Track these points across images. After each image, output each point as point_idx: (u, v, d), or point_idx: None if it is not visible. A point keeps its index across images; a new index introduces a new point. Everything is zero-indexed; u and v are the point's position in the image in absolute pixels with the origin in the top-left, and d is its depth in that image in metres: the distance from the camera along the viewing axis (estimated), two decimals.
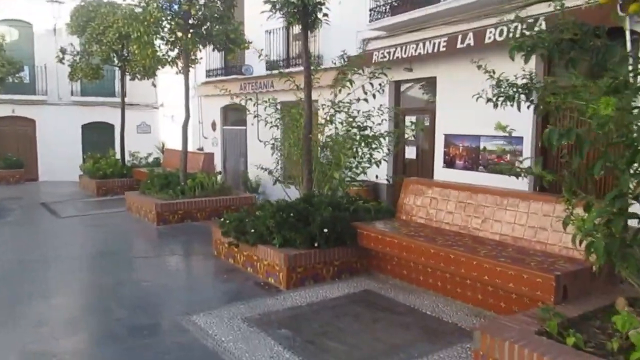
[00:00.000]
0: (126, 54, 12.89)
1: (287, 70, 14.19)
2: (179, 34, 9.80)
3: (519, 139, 8.80)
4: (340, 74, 12.78)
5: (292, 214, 5.68)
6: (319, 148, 7.28)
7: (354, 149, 6.76)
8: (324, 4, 6.48)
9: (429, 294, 5.26)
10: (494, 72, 4.60)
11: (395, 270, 5.72)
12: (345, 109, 7.06)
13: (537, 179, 8.87)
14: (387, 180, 10.03)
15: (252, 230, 5.88)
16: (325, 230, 5.60)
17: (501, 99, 4.47)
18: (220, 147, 17.68)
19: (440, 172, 10.16)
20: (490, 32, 8.53)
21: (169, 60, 10.19)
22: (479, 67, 4.55)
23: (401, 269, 5.64)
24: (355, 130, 6.76)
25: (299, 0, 6.07)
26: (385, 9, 11.12)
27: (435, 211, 5.83)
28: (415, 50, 10.21)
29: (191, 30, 9.36)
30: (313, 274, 5.66)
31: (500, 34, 8.35)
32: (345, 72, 7.72)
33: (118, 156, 14.11)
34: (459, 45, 9.14)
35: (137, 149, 15.19)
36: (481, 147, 9.60)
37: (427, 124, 10.71)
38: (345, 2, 12.58)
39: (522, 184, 8.77)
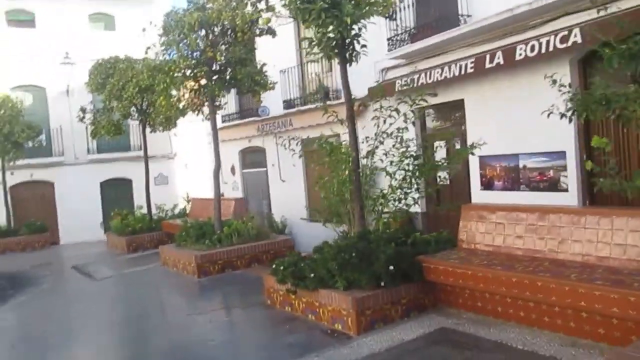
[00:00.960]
0: (146, 107, 12.86)
1: (303, 108, 14.24)
2: (203, 81, 9.75)
3: (561, 154, 8.53)
4: (362, 105, 12.83)
5: (354, 254, 5.40)
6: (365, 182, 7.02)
7: (408, 180, 6.49)
8: (360, 35, 6.34)
9: (512, 326, 4.92)
10: (569, 86, 4.36)
11: (468, 303, 5.39)
12: (394, 139, 6.78)
13: (586, 194, 8.61)
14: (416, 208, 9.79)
15: (312, 275, 5.59)
16: (391, 267, 5.31)
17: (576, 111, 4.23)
18: (241, 190, 17.49)
19: (479, 195, 9.86)
20: (521, 48, 8.39)
21: (193, 108, 10.09)
22: (554, 81, 4.32)
23: (475, 301, 5.31)
24: (408, 160, 6.48)
25: (337, 34, 5.93)
26: (405, 37, 11.06)
27: (502, 237, 5.53)
28: (441, 75, 10.05)
29: (215, 76, 9.27)
30: (382, 315, 5.34)
31: (532, 50, 8.21)
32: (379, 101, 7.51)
33: (142, 210, 13.93)
34: (487, 65, 8.98)
35: (156, 201, 15.06)
36: (520, 165, 9.32)
37: (457, 146, 10.51)
38: (362, 35, 12.55)
39: (570, 199, 8.52)
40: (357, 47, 6.44)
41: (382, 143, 7.10)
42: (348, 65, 6.55)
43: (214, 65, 9.26)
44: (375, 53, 12.21)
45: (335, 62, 13.05)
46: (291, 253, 6.52)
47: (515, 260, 5.05)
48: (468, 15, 9.77)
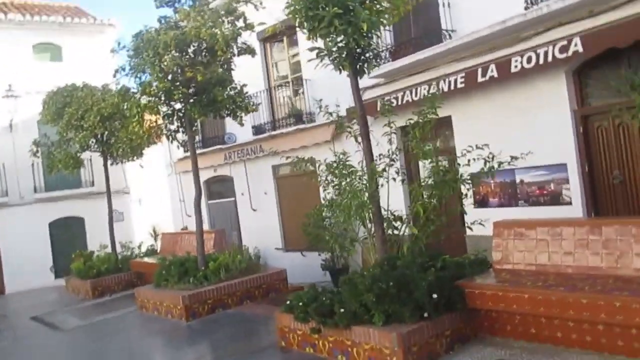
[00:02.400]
0: (107, 137, 11.86)
1: (275, 133, 13.64)
2: (177, 105, 9.00)
3: (562, 167, 8.31)
4: (338, 127, 12.36)
5: (391, 283, 4.78)
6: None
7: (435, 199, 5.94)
8: (372, 45, 5.84)
9: (577, 353, 4.42)
10: None
11: (519, 330, 4.86)
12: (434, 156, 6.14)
13: (590, 206, 8.40)
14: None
15: (342, 310, 4.92)
16: (434, 295, 4.73)
17: None
18: (207, 223, 16.53)
19: (473, 214, 9.52)
20: (516, 60, 8.18)
21: (167, 135, 9.27)
22: None
23: (527, 327, 4.79)
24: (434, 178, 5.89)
25: (352, 42, 5.41)
26: (384, 55, 10.73)
27: (547, 254, 5.08)
28: (428, 91, 9.72)
29: (192, 99, 8.54)
30: (427, 351, 4.72)
31: (529, 61, 8.01)
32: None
33: (106, 249, 12.74)
34: (479, 79, 8.73)
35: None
36: (517, 180, 9.03)
37: (445, 164, 10.22)
38: None
39: (575, 212, 8.27)
40: (369, 57, 5.93)
41: (394, 162, 6.52)
42: (359, 77, 6.03)
43: (191, 87, 8.55)
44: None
45: (305, 85, 12.70)
46: (311, 287, 5.81)
47: (572, 280, 4.59)
48: (452, 31, 9.57)
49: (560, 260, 4.96)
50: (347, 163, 6.70)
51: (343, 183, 6.33)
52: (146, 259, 11.64)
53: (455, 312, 4.92)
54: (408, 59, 10.03)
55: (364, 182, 6.10)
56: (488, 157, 6.04)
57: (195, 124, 9.14)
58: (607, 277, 4.50)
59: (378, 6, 5.53)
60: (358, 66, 5.84)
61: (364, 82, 11.54)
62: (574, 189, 8.19)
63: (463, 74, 9.08)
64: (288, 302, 5.66)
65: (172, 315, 7.88)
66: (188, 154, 16.30)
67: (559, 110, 8.21)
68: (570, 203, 8.29)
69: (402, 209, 7.98)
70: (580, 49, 7.35)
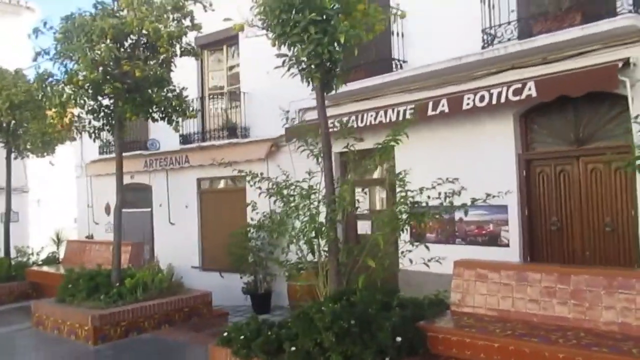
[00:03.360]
0: (14, 128, 10.49)
1: (205, 144, 12.85)
2: (106, 102, 8.07)
3: (503, 208, 8.30)
4: (274, 146, 11.84)
5: (352, 322, 4.29)
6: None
7: (399, 230, 5.53)
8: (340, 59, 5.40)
9: None
10: None
11: None
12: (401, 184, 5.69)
13: (526, 249, 8.45)
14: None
15: (292, 348, 4.35)
16: (399, 339, 4.29)
17: None
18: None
19: (407, 248, 9.35)
20: (469, 98, 8.14)
21: (92, 132, 8.27)
22: None
23: None
24: (403, 207, 5.48)
25: (325, 53, 4.96)
26: None
27: (511, 300, 4.83)
28: (375, 119, 9.51)
29: (126, 96, 7.67)
30: None
31: (481, 100, 7.99)
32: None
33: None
34: (430, 113, 8.61)
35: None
36: (456, 217, 8.93)
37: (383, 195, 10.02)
38: (276, 73, 11.67)
39: (511, 255, 8.28)
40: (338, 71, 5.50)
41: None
42: (326, 92, 5.58)
43: (124, 83, 7.67)
44: (291, 93, 11.47)
45: (243, 98, 12.07)
46: (251, 318, 5.15)
47: (541, 329, 4.34)
48: (404, 61, 9.46)
49: (526, 307, 4.73)
50: (297, 184, 6.18)
51: (293, 205, 5.77)
52: (46, 268, 10.30)
53: (416, 357, 4.50)
54: (357, 83, 9.77)
55: (317, 205, 5.62)
56: (449, 192, 5.75)
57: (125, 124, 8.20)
58: (577, 329, 4.30)
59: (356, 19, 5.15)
60: (327, 80, 5.39)
61: (306, 102, 11.24)
62: (512, 232, 8.20)
63: (412, 106, 8.93)
64: (226, 334, 4.98)
65: (77, 336, 6.85)
66: (103, 156, 15.11)
67: (504, 152, 8.23)
68: (507, 245, 8.29)
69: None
70: (534, 94, 7.41)
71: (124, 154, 14.42)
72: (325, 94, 5.61)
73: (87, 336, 6.70)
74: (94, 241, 11.04)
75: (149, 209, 14.26)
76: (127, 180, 14.89)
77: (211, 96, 13.15)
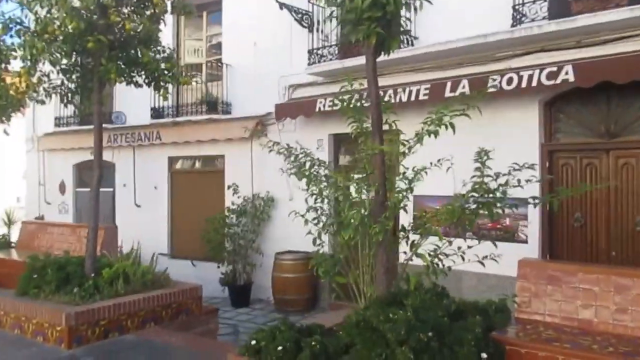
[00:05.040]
0: None
1: (180, 119, 11.68)
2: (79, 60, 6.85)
3: (522, 201, 7.69)
4: (259, 125, 10.81)
5: (430, 334, 3.46)
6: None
7: (467, 222, 4.67)
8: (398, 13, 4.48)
9: None
10: None
11: None
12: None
13: (546, 246, 7.87)
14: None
15: None
16: (485, 355, 3.51)
17: None
18: (72, 215, 13.78)
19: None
20: (494, 79, 7.44)
21: (62, 94, 7.01)
22: None
23: None
24: (474, 195, 4.59)
25: (391, 3, 4.05)
26: (332, 51, 9.49)
27: (593, 309, 4.13)
28: (383, 99, 8.67)
29: (111, 53, 6.49)
30: None
31: (509, 83, 7.29)
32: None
33: None
34: (447, 94, 7.87)
35: None
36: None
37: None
38: (264, 43, 10.68)
39: (529, 252, 7.69)
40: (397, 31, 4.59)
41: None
42: (384, 54, 4.67)
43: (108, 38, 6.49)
44: (281, 68, 10.48)
45: (225, 70, 10.95)
46: (282, 322, 4.20)
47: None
48: (415, 37, 8.66)
49: (612, 318, 4.04)
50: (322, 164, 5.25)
51: (326, 191, 4.83)
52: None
53: None
54: (362, 59, 8.90)
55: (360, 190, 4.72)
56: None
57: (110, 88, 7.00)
58: None
59: None
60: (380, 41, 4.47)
61: (298, 78, 10.29)
62: (532, 227, 7.63)
63: (428, 85, 8.18)
64: (254, 342, 4.03)
65: (46, 338, 5.68)
66: (60, 128, 13.58)
67: (527, 141, 7.61)
68: (525, 241, 7.71)
69: None
70: (572, 78, 6.77)
71: (82, 127, 13.14)
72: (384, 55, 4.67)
73: (60, 338, 5.55)
74: (56, 223, 9.69)
75: (111, 189, 12.93)
76: (85, 156, 13.50)
77: (187, 67, 11.92)
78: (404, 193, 4.50)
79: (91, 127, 12.68)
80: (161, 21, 7.19)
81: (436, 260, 4.57)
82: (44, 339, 5.72)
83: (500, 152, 7.53)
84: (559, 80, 6.87)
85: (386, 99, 8.57)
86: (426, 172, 4.61)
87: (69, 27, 5.94)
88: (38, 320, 5.81)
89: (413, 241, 4.71)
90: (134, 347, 5.62)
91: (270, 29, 10.54)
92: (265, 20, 10.62)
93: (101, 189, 13.45)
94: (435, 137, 4.59)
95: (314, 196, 4.89)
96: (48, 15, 6.09)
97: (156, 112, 11.89)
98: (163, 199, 12.17)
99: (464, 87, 7.72)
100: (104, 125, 12.44)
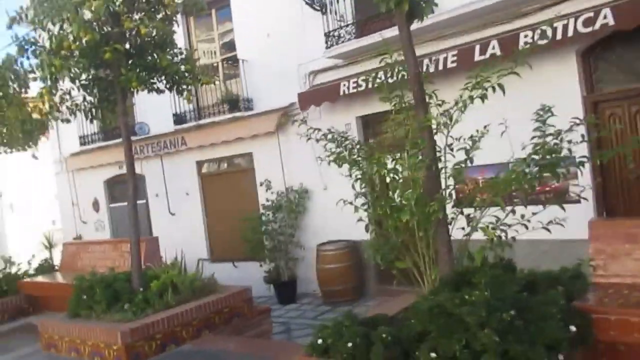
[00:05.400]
0: None
1: (203, 122, 11.54)
2: (101, 73, 6.70)
3: (571, 159, 7.32)
4: (284, 117, 10.58)
5: (513, 312, 3.20)
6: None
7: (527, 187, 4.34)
8: None
9: None
10: None
11: None
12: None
13: (601, 203, 7.49)
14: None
15: (433, 355, 3.24)
16: (573, 327, 3.24)
17: None
18: (109, 231, 13.82)
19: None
20: (526, 35, 7.06)
21: (86, 110, 6.88)
22: None
23: None
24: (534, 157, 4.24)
25: None
26: (349, 31, 9.19)
27: None
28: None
29: (129, 62, 6.33)
30: None
31: (542, 37, 6.90)
32: None
33: None
34: (477, 58, 7.52)
35: None
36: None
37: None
38: (277, 33, 10.42)
39: (585, 212, 7.30)
40: None
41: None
42: (417, 21, 4.39)
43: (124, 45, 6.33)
44: (298, 56, 10.20)
45: (242, 66, 10.71)
46: (346, 315, 3.98)
47: None
48: (434, 4, 8.26)
49: None
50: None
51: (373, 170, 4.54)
52: (42, 278, 8.91)
53: (587, 349, 3.46)
54: (381, 35, 8.59)
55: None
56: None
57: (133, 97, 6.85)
58: None
59: None
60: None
61: (317, 63, 10.02)
62: (584, 185, 7.24)
63: (455, 52, 7.83)
64: (320, 341, 3.83)
65: (104, 358, 5.60)
66: (86, 147, 13.59)
67: (567, 95, 7.19)
68: (578, 201, 7.33)
69: None
70: (611, 22, 6.37)
71: (107, 143, 13.12)
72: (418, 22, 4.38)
73: (117, 356, 5.46)
74: (97, 241, 9.67)
75: (144, 201, 12.88)
76: (114, 171, 13.53)
77: (205, 68, 11.74)
78: (462, 165, 4.21)
79: (116, 141, 12.77)
80: (174, 22, 7.00)
81: (499, 232, 4.29)
82: (101, 359, 5.63)
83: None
84: (597, 26, 6.47)
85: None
86: (478, 140, 4.31)
87: (84, 39, 5.77)
88: (93, 341, 5.72)
89: (469, 215, 4.45)
90: (193, 357, 5.49)
91: (282, 17, 10.30)
92: (275, 9, 10.38)
93: None
94: (483, 101, 4.28)
95: (358, 181, 4.64)
96: (61, 31, 5.93)
97: (178, 118, 11.77)
98: (196, 203, 12.08)
99: (493, 48, 7.37)
100: None
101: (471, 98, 4.41)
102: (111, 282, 6.38)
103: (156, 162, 12.54)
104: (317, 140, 4.92)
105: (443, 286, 3.83)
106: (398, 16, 4.25)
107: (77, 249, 9.35)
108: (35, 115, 6.98)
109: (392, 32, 8.33)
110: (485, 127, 4.63)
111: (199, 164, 12.09)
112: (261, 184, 10.51)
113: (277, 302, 10.01)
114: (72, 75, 6.03)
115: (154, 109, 11.65)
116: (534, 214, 4.27)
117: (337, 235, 9.81)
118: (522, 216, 4.27)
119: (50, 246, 12.15)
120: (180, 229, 12.05)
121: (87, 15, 6.04)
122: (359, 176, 4.67)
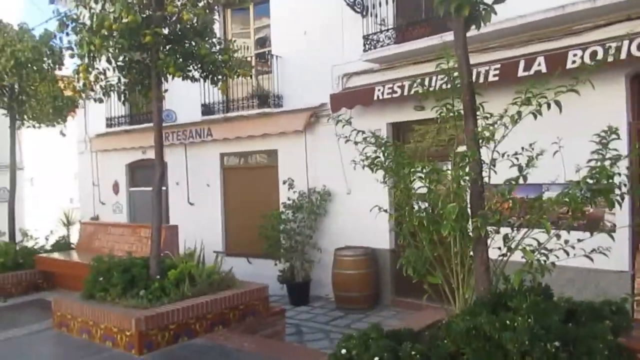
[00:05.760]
0: (19, 92, 8.94)
1: (232, 115, 11.46)
2: (137, 56, 6.61)
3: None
4: (313, 117, 10.45)
5: (556, 343, 3.01)
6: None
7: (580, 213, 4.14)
8: None
9: None
10: None
11: None
12: None
13: (637, 237, 7.22)
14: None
15: None
16: None
17: None
18: (127, 214, 13.82)
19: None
20: (575, 54, 6.84)
21: (122, 90, 6.81)
22: None
23: None
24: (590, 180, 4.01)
25: None
26: (390, 35, 9.04)
27: None
28: (447, 83, 8.15)
29: (168, 47, 6.25)
30: None
31: (593, 56, 6.68)
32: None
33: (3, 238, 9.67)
34: (521, 74, 7.32)
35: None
36: (544, 197, 7.66)
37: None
38: (314, 33, 10.29)
39: (615, 244, 7.04)
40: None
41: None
42: (475, 28, 4.22)
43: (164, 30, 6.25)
44: (332, 57, 10.07)
45: (275, 62, 10.64)
46: (372, 327, 3.82)
47: None
48: (494, 12, 8.08)
49: None
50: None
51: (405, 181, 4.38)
52: (58, 255, 8.87)
53: None
54: (423, 42, 8.43)
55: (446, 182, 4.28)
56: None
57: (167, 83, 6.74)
58: None
59: None
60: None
61: (352, 66, 9.87)
62: (620, 215, 6.99)
63: (497, 65, 7.63)
64: (344, 352, 3.67)
65: (115, 343, 5.49)
66: (112, 129, 13.61)
67: (612, 120, 6.96)
68: (613, 230, 7.09)
69: None
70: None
71: (134, 127, 13.12)
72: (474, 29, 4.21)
73: (130, 343, 5.36)
74: (116, 224, 9.61)
75: (164, 188, 12.82)
76: (137, 156, 13.53)
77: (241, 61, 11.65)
78: (513, 182, 4.04)
79: (142, 126, 12.78)
80: (215, 11, 6.91)
81: (539, 255, 4.10)
82: (113, 344, 5.54)
83: (581, 134, 6.98)
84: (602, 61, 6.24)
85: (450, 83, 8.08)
86: (536, 157, 4.13)
87: (125, 20, 5.69)
88: (106, 325, 5.63)
89: (507, 235, 4.27)
90: (206, 352, 5.36)
91: (320, 17, 10.19)
92: (315, 8, 10.27)
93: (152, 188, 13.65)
94: (535, 118, 4.10)
95: (394, 190, 4.49)
96: (103, 10, 5.87)
97: (207, 109, 11.71)
98: (216, 196, 12.01)
99: (539, 64, 7.16)
100: (152, 124, 12.60)
101: (519, 114, 4.23)
102: (129, 267, 6.29)
103: (180, 150, 12.50)
104: (356, 143, 4.76)
105: (479, 307, 3.64)
106: (455, 22, 4.08)
107: (95, 230, 9.30)
108: (67, 93, 6.90)
109: (432, 40, 8.25)
110: (531, 145, 4.44)
111: (223, 156, 12.01)
112: (284, 182, 10.38)
113: (289, 303, 9.88)
114: (110, 54, 5.94)
115: (182, 97, 11.59)
116: (579, 240, 4.07)
117: (356, 241, 9.67)
118: (566, 241, 4.07)
119: (68, 224, 12.13)
120: (197, 220, 11.98)
121: None
122: (394, 184, 4.51)
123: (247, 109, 11.09)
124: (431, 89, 8.35)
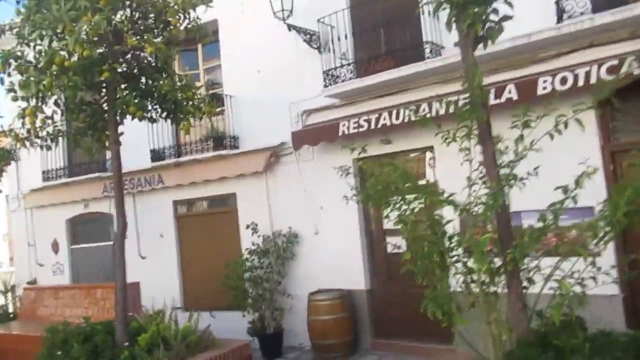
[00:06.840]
0: None
1: (183, 159, 10.83)
2: (89, 97, 5.96)
3: (587, 210, 6.97)
4: (273, 157, 10.00)
5: None
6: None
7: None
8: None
9: None
10: None
11: None
12: None
13: (621, 257, 7.14)
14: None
15: None
16: None
17: None
18: (69, 275, 12.60)
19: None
20: (545, 80, 6.83)
21: (74, 136, 6.10)
22: None
23: None
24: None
25: None
26: (353, 69, 8.81)
27: None
28: (416, 113, 8.01)
29: (125, 84, 5.67)
30: None
31: (563, 82, 6.69)
32: None
33: None
34: (492, 102, 7.21)
35: None
36: (524, 225, 7.51)
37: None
38: (268, 71, 9.94)
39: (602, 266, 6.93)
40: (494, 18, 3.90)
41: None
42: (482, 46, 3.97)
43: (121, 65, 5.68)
44: (291, 95, 9.76)
45: (228, 102, 10.19)
46: None
47: None
48: (441, 47, 8.06)
49: None
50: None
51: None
52: None
53: None
54: (387, 74, 8.26)
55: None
56: None
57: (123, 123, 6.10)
58: None
59: None
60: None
61: (311, 102, 9.57)
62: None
63: (466, 95, 7.52)
64: None
65: None
66: (48, 182, 12.53)
67: (585, 145, 6.96)
68: (598, 254, 7.00)
69: None
70: (637, 71, 6.21)
71: (73, 179, 12.15)
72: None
73: None
74: (66, 286, 8.62)
75: (110, 242, 11.84)
76: (78, 210, 12.50)
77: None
78: (559, 205, 3.74)
79: (84, 177, 11.84)
80: (177, 45, 6.43)
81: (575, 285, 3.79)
82: None
83: (554, 159, 6.90)
84: (622, 74, 6.29)
85: (421, 112, 7.95)
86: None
87: (79, 55, 5.09)
88: None
89: (536, 265, 3.95)
90: None
91: (274, 55, 9.88)
92: (267, 46, 9.95)
93: (99, 243, 12.62)
94: (552, 138, 3.87)
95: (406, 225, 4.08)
96: (54, 44, 5.25)
97: (156, 154, 10.99)
98: (171, 247, 11.16)
99: (510, 92, 7.11)
100: (98, 174, 11.71)
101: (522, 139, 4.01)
102: (89, 335, 5.49)
103: (128, 200, 11.56)
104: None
105: (524, 349, 3.24)
106: (464, 40, 3.83)
107: (40, 294, 8.22)
108: (6, 142, 6.12)
109: (392, 74, 8.12)
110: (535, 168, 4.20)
111: (176, 203, 11.25)
112: (247, 227, 9.76)
113: (262, 356, 9.14)
114: (68, 93, 5.28)
115: (128, 143, 10.78)
116: (612, 267, 3.80)
117: (329, 283, 9.13)
118: (599, 268, 3.79)
119: (6, 292, 10.88)
120: (150, 274, 11.02)
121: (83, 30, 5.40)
122: (403, 217, 4.12)
123: (200, 152, 10.47)
124: (398, 121, 8.22)
